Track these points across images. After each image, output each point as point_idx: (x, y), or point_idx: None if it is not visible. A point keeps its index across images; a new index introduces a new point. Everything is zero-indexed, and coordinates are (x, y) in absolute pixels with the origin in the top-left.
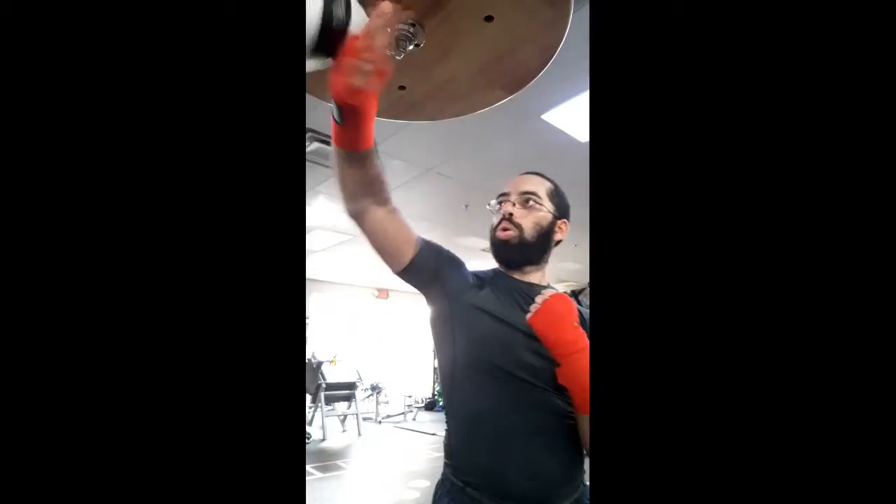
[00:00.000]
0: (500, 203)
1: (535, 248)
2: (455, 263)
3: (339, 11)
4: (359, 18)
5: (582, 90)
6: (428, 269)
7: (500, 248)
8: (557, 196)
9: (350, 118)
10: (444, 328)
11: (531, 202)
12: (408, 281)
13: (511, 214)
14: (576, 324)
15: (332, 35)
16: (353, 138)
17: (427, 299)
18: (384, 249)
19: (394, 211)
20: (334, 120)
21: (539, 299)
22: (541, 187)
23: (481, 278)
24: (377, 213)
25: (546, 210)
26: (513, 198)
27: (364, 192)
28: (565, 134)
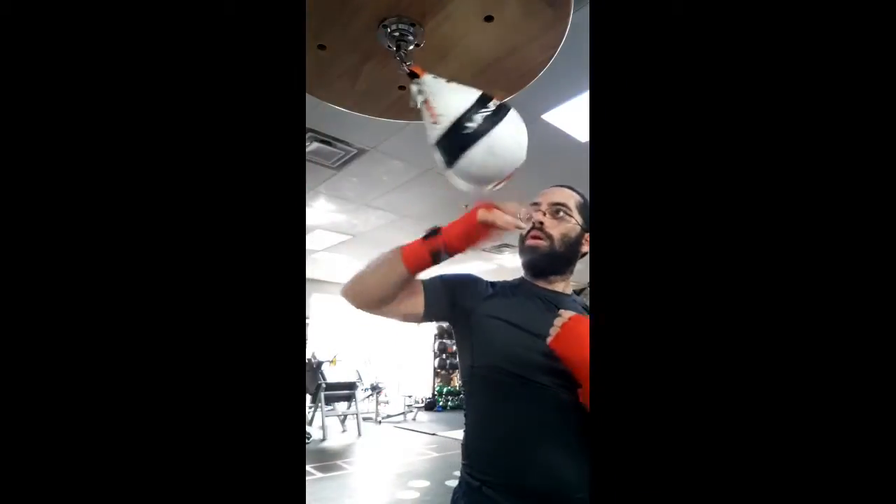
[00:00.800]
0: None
1: (562, 258)
2: (464, 282)
3: (477, 121)
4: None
5: (582, 90)
6: (441, 305)
7: (528, 255)
8: (586, 209)
9: (449, 256)
10: (464, 340)
11: (561, 213)
12: (430, 321)
13: (542, 224)
14: None
15: (459, 138)
16: (427, 266)
17: (449, 322)
18: (400, 317)
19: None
20: (430, 257)
21: (558, 322)
22: (571, 200)
23: (500, 287)
24: (395, 303)
25: (575, 222)
26: (543, 208)
27: (395, 294)
28: (565, 134)
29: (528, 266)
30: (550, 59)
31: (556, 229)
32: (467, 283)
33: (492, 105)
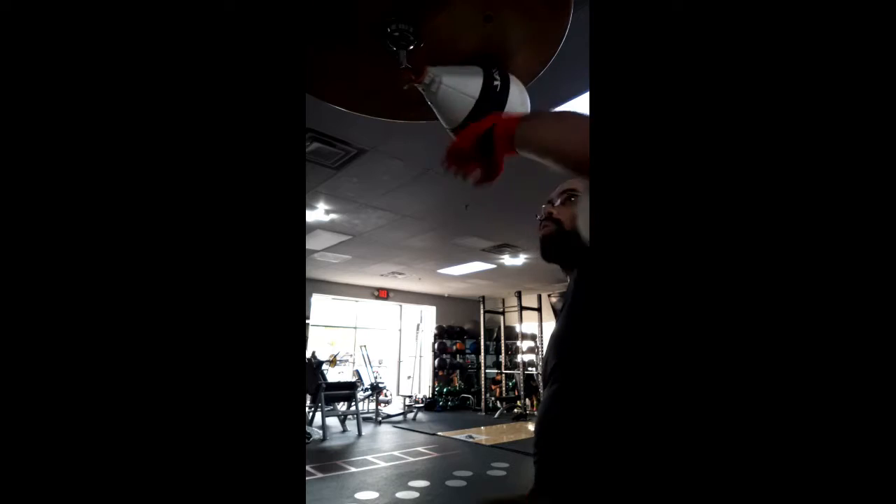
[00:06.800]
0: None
1: (572, 236)
2: None
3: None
4: (516, 96)
5: (582, 90)
6: None
7: (542, 247)
8: None
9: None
10: None
11: (572, 198)
12: None
13: (550, 213)
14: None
15: (485, 108)
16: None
17: None
18: None
19: None
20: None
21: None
22: (581, 184)
23: None
24: None
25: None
26: (553, 197)
27: None
28: None
29: (546, 259)
30: (550, 59)
31: (564, 213)
32: None
33: (496, 74)
